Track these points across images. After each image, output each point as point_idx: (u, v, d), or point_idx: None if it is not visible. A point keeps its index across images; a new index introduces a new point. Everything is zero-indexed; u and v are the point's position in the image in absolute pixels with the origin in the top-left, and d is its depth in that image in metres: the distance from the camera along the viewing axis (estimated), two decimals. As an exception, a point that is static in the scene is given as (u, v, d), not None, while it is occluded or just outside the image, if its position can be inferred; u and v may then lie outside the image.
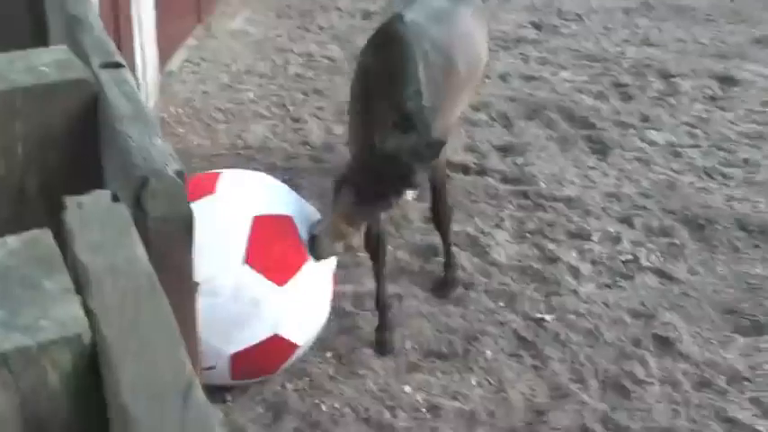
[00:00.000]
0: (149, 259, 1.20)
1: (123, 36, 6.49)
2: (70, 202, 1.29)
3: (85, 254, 1.16)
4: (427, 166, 4.34)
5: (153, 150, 1.45)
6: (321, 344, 4.80)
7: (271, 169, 6.62)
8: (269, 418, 4.31)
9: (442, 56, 4.70)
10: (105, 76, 1.66)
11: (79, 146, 1.66)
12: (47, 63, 1.68)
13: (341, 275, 5.50)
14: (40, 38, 2.49)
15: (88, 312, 1.06)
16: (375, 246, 4.82)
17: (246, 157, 6.86)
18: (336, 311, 5.11)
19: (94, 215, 1.25)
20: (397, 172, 4.14)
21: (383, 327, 4.86)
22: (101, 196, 1.31)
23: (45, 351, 1.01)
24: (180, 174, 1.45)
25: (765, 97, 8.46)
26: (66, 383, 1.04)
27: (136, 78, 7.00)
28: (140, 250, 1.18)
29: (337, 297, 5.12)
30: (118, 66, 1.71)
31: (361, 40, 9.77)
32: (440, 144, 4.26)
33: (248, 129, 7.39)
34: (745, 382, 4.58)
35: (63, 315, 1.05)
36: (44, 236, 1.21)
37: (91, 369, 1.05)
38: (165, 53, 8.51)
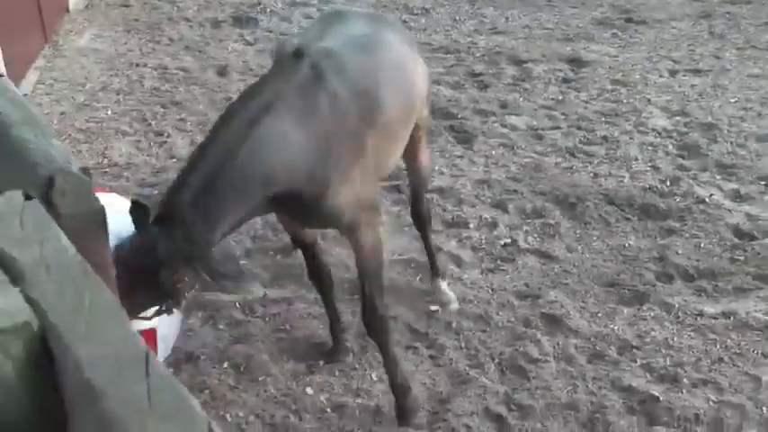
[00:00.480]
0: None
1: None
2: (-17, 203, 1.27)
3: (13, 249, 1.15)
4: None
5: (53, 151, 1.43)
6: (218, 355, 4.74)
7: (140, 185, 6.52)
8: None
9: (361, 96, 3.83)
10: None
11: None
12: None
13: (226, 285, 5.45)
14: None
15: (30, 302, 1.05)
16: (319, 276, 4.55)
17: (113, 175, 6.69)
18: (228, 321, 5.05)
19: (11, 213, 1.24)
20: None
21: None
22: (13, 196, 1.29)
23: (-4, 341, 1.00)
24: (85, 171, 1.43)
25: (614, 75, 8.73)
26: (20, 372, 1.03)
27: None
28: (65, 241, 1.18)
29: (228, 306, 5.08)
30: None
31: (213, 50, 9.76)
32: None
33: (112, 146, 7.22)
34: (635, 351, 4.69)
35: (6, 306, 1.03)
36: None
37: (42, 355, 1.04)
38: (14, 76, 8.25)
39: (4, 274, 1.11)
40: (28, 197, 1.30)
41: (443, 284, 5.23)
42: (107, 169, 6.84)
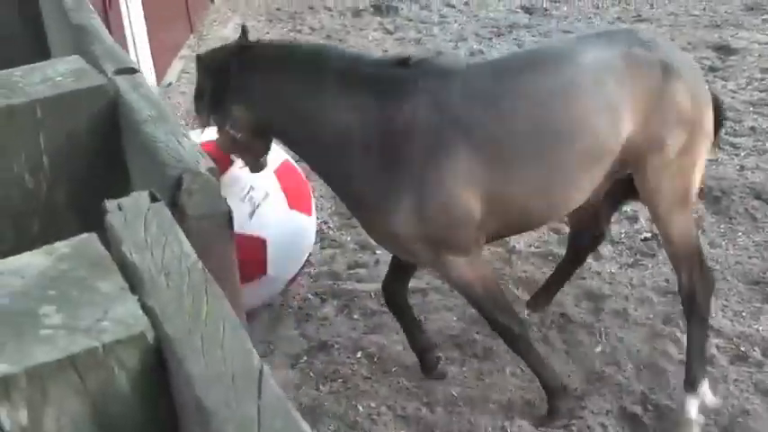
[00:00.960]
0: (193, 257, 1.16)
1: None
2: (110, 205, 1.25)
3: (134, 254, 1.12)
4: None
5: (182, 150, 1.41)
6: (352, 345, 4.74)
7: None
8: (308, 423, 4.22)
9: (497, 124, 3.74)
10: (121, 82, 1.63)
11: (104, 153, 1.63)
12: (62, 73, 1.66)
13: (363, 274, 5.45)
14: (42, 55, 2.44)
15: (146, 310, 1.02)
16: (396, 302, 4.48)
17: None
18: (363, 311, 5.04)
19: (137, 216, 1.22)
20: None
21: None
22: (140, 197, 1.27)
23: (111, 351, 0.98)
24: (213, 170, 1.41)
25: (764, 64, 8.39)
26: (134, 383, 1.01)
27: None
28: (187, 246, 1.15)
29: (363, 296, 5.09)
30: (133, 71, 1.68)
31: (353, 39, 9.80)
32: None
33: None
34: (781, 352, 4.49)
35: (123, 315, 1.01)
36: (92, 239, 1.17)
37: (157, 367, 1.02)
38: (161, 65, 8.45)
39: (126, 281, 1.09)
40: (154, 198, 1.27)
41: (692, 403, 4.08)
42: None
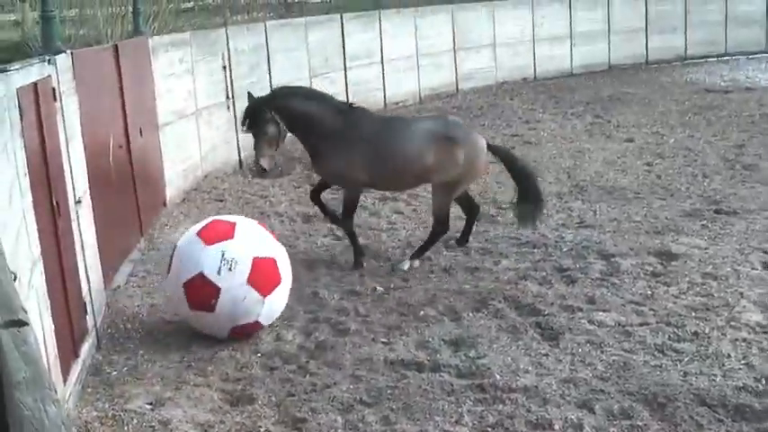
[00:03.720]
0: None
1: (65, 256, 6.45)
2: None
3: None
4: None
5: (46, 420, 1.42)
6: None
7: (224, 379, 6.57)
8: None
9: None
10: (6, 336, 1.63)
11: None
12: None
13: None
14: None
15: None
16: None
17: (197, 370, 6.77)
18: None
19: None
20: None
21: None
22: None
23: None
24: None
25: (704, 269, 8.61)
26: None
27: (88, 296, 6.94)
28: None
29: None
30: (21, 324, 1.68)
31: (303, 245, 9.95)
32: None
33: (196, 341, 7.31)
34: None
35: None
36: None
37: None
38: (109, 268, 8.49)
39: None
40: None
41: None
42: (192, 363, 6.90)
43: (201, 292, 7.08)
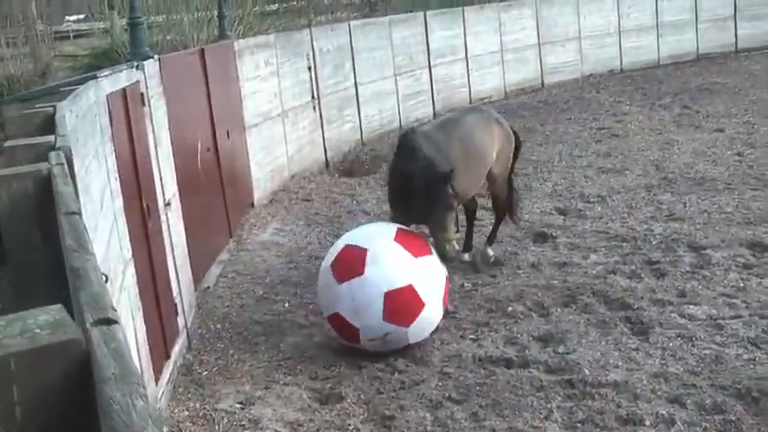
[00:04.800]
0: None
1: (156, 259, 6.58)
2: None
3: None
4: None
5: (134, 414, 1.45)
6: None
7: (312, 378, 6.63)
8: None
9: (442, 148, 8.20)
10: (96, 333, 1.66)
11: (76, 406, 1.65)
12: (41, 325, 1.67)
13: None
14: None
15: None
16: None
17: (287, 369, 6.85)
18: None
19: None
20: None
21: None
22: None
23: None
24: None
25: (800, 260, 8.43)
26: None
27: (177, 301, 7.07)
28: None
29: None
30: (110, 322, 1.72)
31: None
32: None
33: (285, 340, 7.39)
34: None
35: None
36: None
37: None
38: (199, 270, 8.63)
39: None
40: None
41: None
42: (281, 362, 6.99)
43: (344, 330, 7.05)
